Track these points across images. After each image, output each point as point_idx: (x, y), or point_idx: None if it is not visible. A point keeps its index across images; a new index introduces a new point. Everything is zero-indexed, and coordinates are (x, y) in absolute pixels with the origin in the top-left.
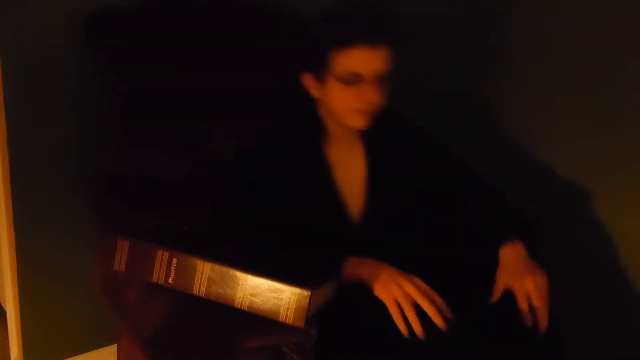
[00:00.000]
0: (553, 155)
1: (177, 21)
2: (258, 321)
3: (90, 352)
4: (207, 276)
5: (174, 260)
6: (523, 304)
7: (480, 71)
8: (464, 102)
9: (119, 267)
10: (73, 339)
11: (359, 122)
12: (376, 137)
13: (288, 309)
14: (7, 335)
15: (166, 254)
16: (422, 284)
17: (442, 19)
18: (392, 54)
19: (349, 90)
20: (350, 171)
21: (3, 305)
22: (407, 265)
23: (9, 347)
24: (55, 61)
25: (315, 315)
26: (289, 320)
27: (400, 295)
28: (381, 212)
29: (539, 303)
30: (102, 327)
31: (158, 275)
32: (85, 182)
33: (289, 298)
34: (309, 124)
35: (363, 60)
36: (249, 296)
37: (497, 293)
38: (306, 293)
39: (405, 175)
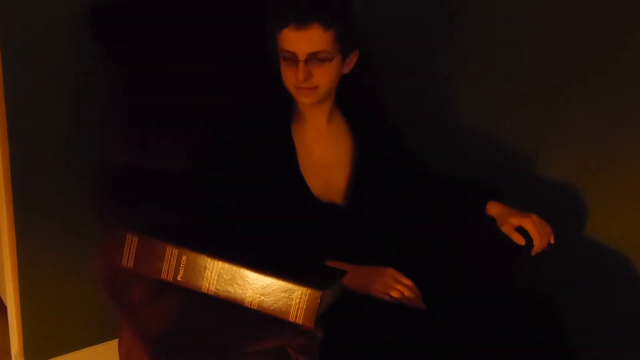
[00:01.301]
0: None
1: (177, 15)
2: (264, 323)
3: (90, 347)
4: (217, 274)
5: (184, 257)
6: (536, 235)
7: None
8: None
9: (128, 263)
10: (73, 333)
11: (301, 98)
12: (357, 117)
13: (298, 308)
14: (8, 330)
15: (175, 251)
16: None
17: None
18: (327, 34)
19: (289, 68)
20: (327, 150)
21: (4, 300)
22: (397, 247)
23: (9, 342)
24: (57, 54)
25: (323, 315)
26: (299, 320)
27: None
28: (369, 192)
29: (547, 229)
30: (103, 322)
31: (167, 272)
32: (86, 177)
33: (300, 298)
34: (279, 103)
35: (294, 40)
36: (259, 295)
37: (514, 234)
38: (317, 293)
39: (385, 154)
